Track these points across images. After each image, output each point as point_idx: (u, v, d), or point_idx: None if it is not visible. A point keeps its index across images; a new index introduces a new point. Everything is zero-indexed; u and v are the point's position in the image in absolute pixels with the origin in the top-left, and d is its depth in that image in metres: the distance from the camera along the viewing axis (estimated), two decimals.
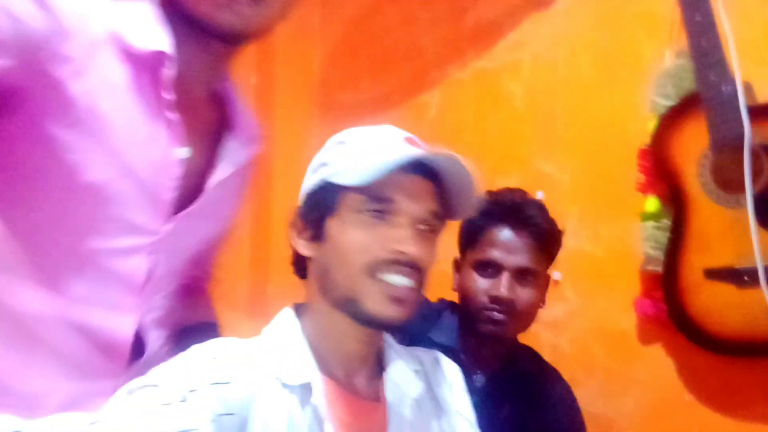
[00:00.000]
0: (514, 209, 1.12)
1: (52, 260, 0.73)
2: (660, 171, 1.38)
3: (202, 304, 1.01)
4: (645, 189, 1.43)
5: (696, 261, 1.31)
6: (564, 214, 1.18)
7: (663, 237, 1.38)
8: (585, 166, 1.55)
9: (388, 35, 1.91)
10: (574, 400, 1.21)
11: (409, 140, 0.78)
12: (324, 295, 0.76)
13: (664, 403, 1.41)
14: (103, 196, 0.72)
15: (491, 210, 1.12)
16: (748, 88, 1.27)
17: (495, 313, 1.09)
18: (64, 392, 0.74)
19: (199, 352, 0.71)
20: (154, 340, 0.84)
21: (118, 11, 0.72)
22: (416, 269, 0.74)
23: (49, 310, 0.73)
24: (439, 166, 0.75)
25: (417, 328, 1.09)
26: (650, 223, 1.41)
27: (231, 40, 0.78)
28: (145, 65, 0.72)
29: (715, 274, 1.29)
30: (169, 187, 0.76)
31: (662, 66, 1.42)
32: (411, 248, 0.73)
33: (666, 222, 1.38)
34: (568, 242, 1.23)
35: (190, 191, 0.79)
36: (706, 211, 1.31)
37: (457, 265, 1.19)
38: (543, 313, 1.18)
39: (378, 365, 0.81)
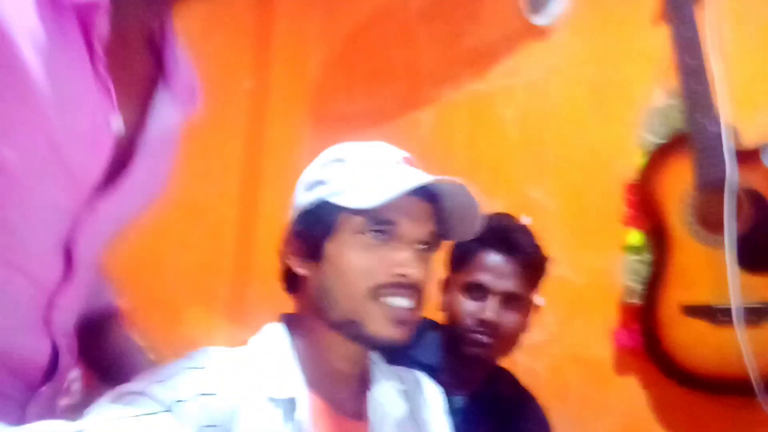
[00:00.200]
0: (504, 234, 1.14)
1: None
2: (645, 206, 1.41)
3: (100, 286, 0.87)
4: (629, 222, 1.46)
5: (674, 296, 1.34)
6: (548, 241, 1.20)
7: (644, 270, 1.41)
8: (572, 195, 1.58)
9: (386, 51, 1.92)
10: (549, 425, 1.22)
11: (407, 160, 0.79)
12: (319, 314, 0.76)
13: None
14: (13, 176, 0.58)
15: (481, 234, 1.13)
16: (735, 132, 1.30)
17: (480, 336, 1.10)
18: None
19: (187, 361, 0.71)
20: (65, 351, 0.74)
21: None
22: (417, 290, 0.75)
23: None
24: (444, 192, 0.76)
25: (399, 346, 1.10)
26: (632, 256, 1.44)
27: None
28: (73, 12, 0.59)
29: (691, 311, 1.32)
30: (97, 168, 0.63)
31: (652, 103, 1.46)
32: (413, 271, 0.73)
33: (647, 256, 1.42)
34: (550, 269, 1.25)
35: (114, 163, 0.66)
36: (687, 248, 1.34)
37: (444, 286, 1.20)
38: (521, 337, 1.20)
39: (363, 383, 0.82)
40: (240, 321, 1.76)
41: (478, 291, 1.12)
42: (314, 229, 0.76)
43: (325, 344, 0.77)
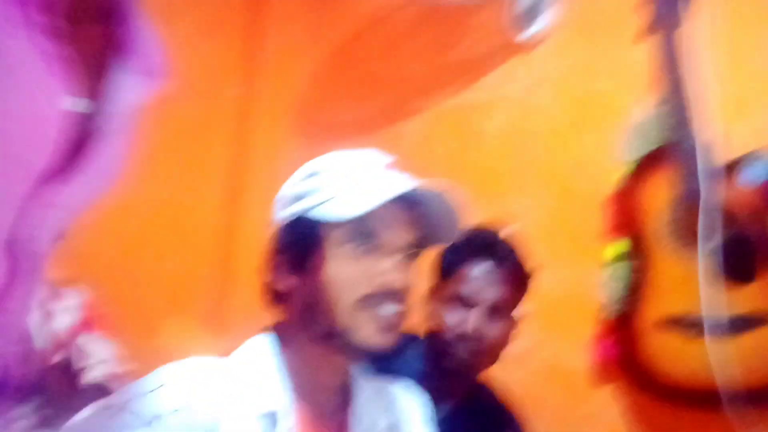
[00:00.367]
0: (488, 246, 1.15)
1: None
2: (625, 218, 1.44)
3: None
4: (609, 235, 1.48)
5: (652, 309, 1.36)
6: (528, 253, 1.21)
7: (622, 283, 1.43)
8: (552, 207, 1.60)
9: (372, 62, 1.93)
10: None
11: (390, 166, 0.79)
12: (305, 327, 0.76)
13: None
14: None
15: (465, 246, 1.14)
16: (713, 147, 1.33)
17: (462, 348, 1.11)
18: None
19: (167, 373, 0.70)
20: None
21: None
22: (402, 295, 0.75)
23: None
24: (424, 197, 0.76)
25: (385, 355, 1.10)
26: (611, 269, 1.46)
27: None
28: None
29: (668, 323, 1.33)
30: (44, 152, 0.57)
31: (633, 118, 1.48)
32: (398, 279, 0.74)
33: (626, 269, 1.43)
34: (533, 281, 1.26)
35: (67, 146, 0.59)
36: (665, 261, 1.36)
37: (427, 298, 1.20)
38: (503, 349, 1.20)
39: (346, 395, 0.81)
40: (221, 331, 1.74)
41: (461, 303, 1.13)
42: (296, 244, 0.76)
43: (311, 357, 0.77)
